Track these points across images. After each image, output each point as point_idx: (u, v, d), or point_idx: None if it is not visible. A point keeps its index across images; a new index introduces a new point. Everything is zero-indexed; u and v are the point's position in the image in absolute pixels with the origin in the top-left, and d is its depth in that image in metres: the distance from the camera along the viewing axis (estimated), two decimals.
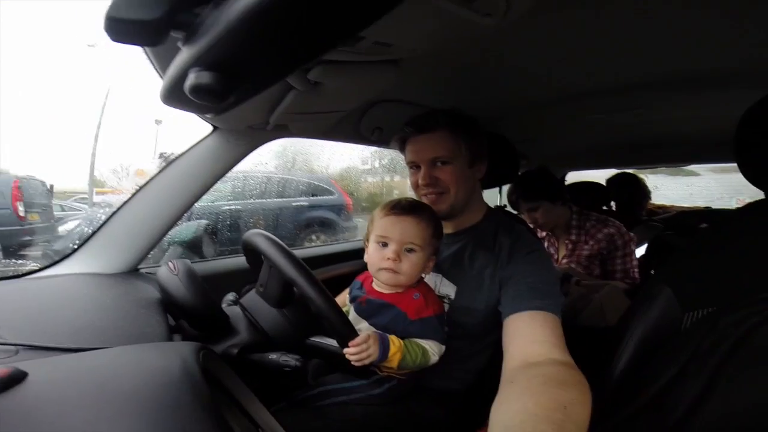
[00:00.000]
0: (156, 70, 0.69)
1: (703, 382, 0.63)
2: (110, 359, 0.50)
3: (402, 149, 1.05)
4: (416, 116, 1.00)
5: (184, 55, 0.29)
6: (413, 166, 1.02)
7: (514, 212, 1.84)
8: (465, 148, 0.97)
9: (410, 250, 0.85)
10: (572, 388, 0.60)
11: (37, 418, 0.37)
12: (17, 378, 0.41)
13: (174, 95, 0.32)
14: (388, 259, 0.84)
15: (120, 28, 0.26)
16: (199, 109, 0.46)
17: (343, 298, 1.12)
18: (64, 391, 0.41)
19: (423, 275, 0.93)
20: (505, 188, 1.94)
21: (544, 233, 1.87)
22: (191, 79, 0.27)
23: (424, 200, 0.99)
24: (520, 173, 1.65)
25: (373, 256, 0.88)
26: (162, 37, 0.28)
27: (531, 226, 1.86)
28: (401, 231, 0.85)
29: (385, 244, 0.86)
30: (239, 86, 0.28)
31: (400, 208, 0.87)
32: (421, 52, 0.68)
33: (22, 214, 3.39)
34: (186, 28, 0.27)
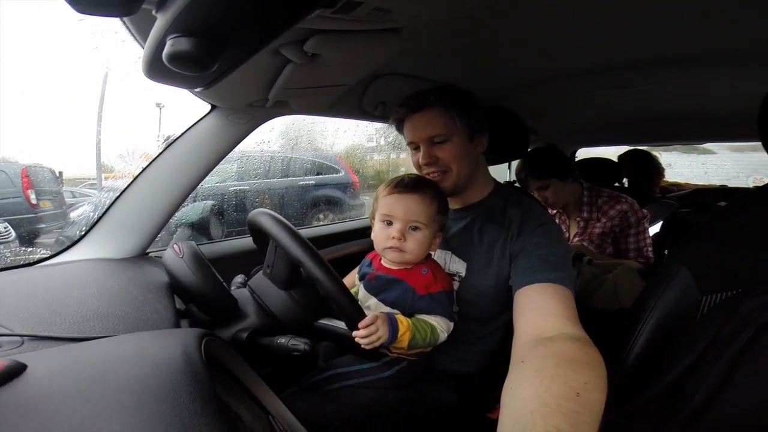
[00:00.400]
0: (138, 43, 0.66)
1: (723, 369, 0.61)
2: (110, 349, 0.50)
3: (400, 130, 1.05)
4: (408, 96, 1.00)
5: (160, 22, 0.26)
6: (413, 146, 1.01)
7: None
8: (462, 123, 0.96)
9: (415, 228, 0.85)
10: (586, 369, 0.58)
11: (36, 411, 0.36)
12: (16, 371, 0.41)
13: (156, 68, 0.30)
14: (393, 237, 0.84)
15: None
16: (186, 82, 0.43)
17: (352, 279, 1.11)
18: (62, 383, 0.41)
19: (431, 252, 0.92)
20: (514, 165, 1.91)
21: (554, 211, 1.83)
22: (169, 47, 0.25)
23: (433, 176, 0.97)
24: (529, 149, 1.61)
25: (378, 234, 0.88)
26: (133, 5, 0.25)
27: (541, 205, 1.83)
28: (405, 209, 0.84)
29: (390, 223, 0.86)
30: (221, 52, 0.26)
31: (404, 185, 0.86)
32: (425, 20, 0.64)
33: (34, 201, 3.43)
34: None
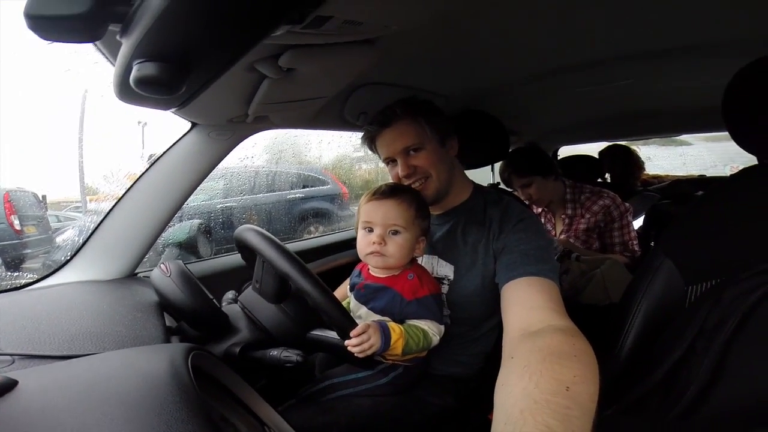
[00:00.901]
0: (111, 64, 0.66)
1: (713, 360, 0.61)
2: (99, 364, 0.50)
3: (373, 149, 1.08)
4: (375, 114, 1.04)
5: (125, 47, 0.27)
6: (389, 161, 1.03)
7: (509, 190, 1.83)
8: (431, 130, 0.99)
9: (395, 233, 0.86)
10: (574, 362, 0.57)
11: (27, 425, 0.37)
12: (7, 387, 0.41)
13: (127, 91, 0.31)
14: (374, 243, 0.85)
15: (47, 26, 0.24)
16: (157, 104, 0.44)
17: (343, 290, 1.11)
18: (53, 397, 0.41)
19: (417, 257, 0.93)
20: (497, 167, 1.93)
21: (540, 209, 1.86)
22: (135, 72, 0.26)
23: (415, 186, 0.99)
24: (510, 150, 1.64)
25: (360, 242, 0.89)
26: (98, 31, 0.26)
27: (526, 203, 1.86)
28: (383, 214, 0.86)
29: (370, 230, 0.87)
30: (187, 74, 0.27)
31: (381, 192, 0.89)
32: (397, 29, 0.65)
33: (18, 227, 3.35)
34: (120, 19, 0.26)
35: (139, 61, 0.25)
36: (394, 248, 0.85)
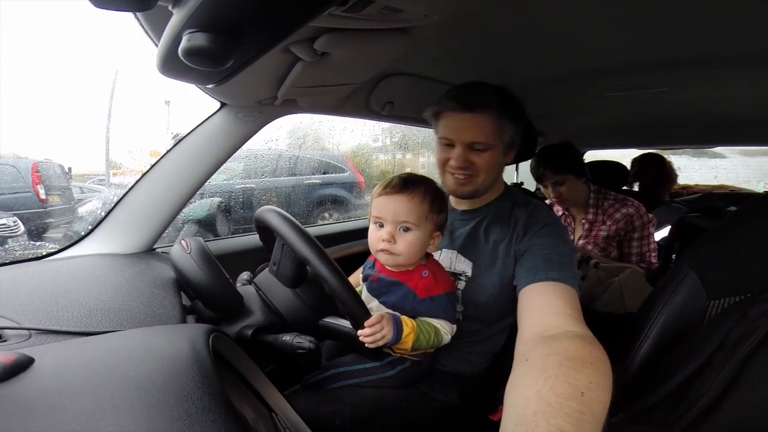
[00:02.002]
0: (152, 40, 0.66)
1: (729, 374, 0.61)
2: (118, 344, 0.50)
3: (434, 119, 0.96)
4: (462, 88, 0.92)
5: (177, 18, 0.26)
6: (447, 143, 0.94)
7: (531, 190, 1.80)
8: (508, 136, 0.92)
9: (406, 229, 0.82)
10: (590, 368, 0.56)
11: (43, 405, 0.36)
12: (23, 365, 0.41)
13: (170, 63, 0.30)
14: (383, 240, 0.82)
15: None
16: (199, 78, 0.43)
17: (356, 278, 1.11)
18: (69, 377, 0.41)
19: (433, 252, 0.91)
20: (522, 165, 1.90)
21: (560, 212, 1.82)
22: (185, 42, 0.25)
23: (450, 179, 0.95)
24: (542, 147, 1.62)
25: (371, 237, 0.86)
26: (151, 1, 0.25)
27: (551, 201, 1.83)
28: (394, 210, 0.82)
29: (381, 225, 0.84)
30: (236, 48, 0.26)
31: (392, 186, 0.83)
32: (435, 19, 0.64)
33: (43, 196, 3.47)
34: None
35: (190, 31, 0.24)
36: (404, 246, 0.82)
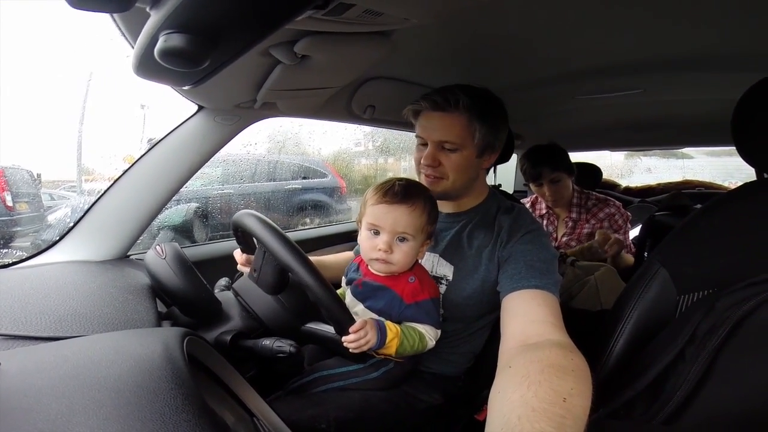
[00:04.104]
0: (128, 42, 0.65)
1: (702, 366, 0.62)
2: (88, 347, 0.48)
3: (414, 119, 0.99)
4: (435, 90, 0.94)
5: (154, 18, 0.26)
6: (420, 140, 0.96)
7: (510, 192, 1.84)
8: (479, 137, 0.92)
9: (403, 240, 0.82)
10: (571, 376, 0.59)
11: (8, 407, 0.35)
12: None
13: (145, 64, 0.30)
14: (380, 249, 0.81)
15: None
16: (175, 80, 0.43)
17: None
18: (36, 380, 0.39)
19: (419, 259, 0.91)
20: (501, 167, 1.94)
21: (544, 210, 1.88)
22: (161, 43, 0.25)
23: (422, 179, 0.96)
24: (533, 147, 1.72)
25: (364, 243, 0.86)
26: (129, 2, 0.25)
27: (531, 200, 1.91)
28: (393, 220, 0.81)
29: (377, 233, 0.83)
30: (213, 49, 0.26)
31: (393, 194, 0.82)
32: (415, 23, 0.65)
33: (10, 204, 3.31)
34: None
35: (167, 32, 0.24)
36: (400, 256, 0.82)
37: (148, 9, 0.26)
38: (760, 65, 0.83)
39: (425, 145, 0.95)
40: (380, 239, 0.82)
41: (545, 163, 1.72)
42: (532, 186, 1.82)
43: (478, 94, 0.92)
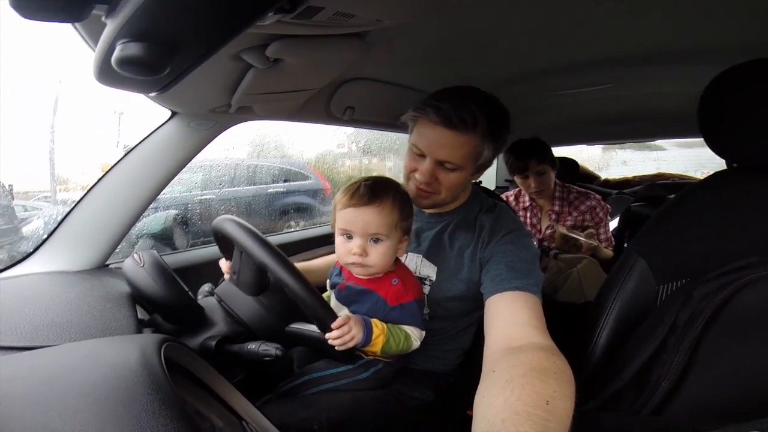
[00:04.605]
0: (92, 49, 0.63)
1: (684, 356, 0.64)
2: (63, 355, 0.48)
3: (412, 122, 0.92)
4: (450, 100, 0.84)
5: (109, 28, 0.26)
6: (418, 152, 0.90)
7: (491, 189, 1.87)
8: (484, 158, 0.90)
9: (377, 240, 0.81)
10: (554, 378, 0.59)
11: None
12: None
13: (107, 73, 0.30)
14: (354, 253, 0.80)
15: (31, 4, 0.23)
16: (138, 87, 0.43)
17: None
18: (10, 389, 0.39)
19: (400, 257, 0.91)
20: None
21: (527, 203, 1.91)
22: (118, 52, 0.25)
23: (412, 188, 0.93)
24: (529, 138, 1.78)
25: (339, 248, 0.84)
26: (83, 11, 0.25)
27: (514, 192, 1.96)
28: (364, 223, 0.79)
29: (350, 237, 0.82)
30: (171, 57, 0.26)
31: (359, 196, 0.80)
32: (388, 24, 0.65)
33: None
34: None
35: (123, 41, 0.24)
36: (377, 257, 0.81)
37: (103, 18, 0.26)
38: (720, 59, 0.86)
39: (421, 156, 0.89)
40: (354, 243, 0.81)
41: (532, 155, 1.76)
42: (517, 178, 1.86)
43: (495, 115, 0.87)
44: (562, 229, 1.68)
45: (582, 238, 1.64)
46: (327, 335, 0.74)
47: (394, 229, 0.82)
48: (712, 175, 0.85)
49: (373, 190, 0.81)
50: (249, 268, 0.81)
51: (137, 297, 0.81)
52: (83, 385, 0.40)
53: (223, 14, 0.25)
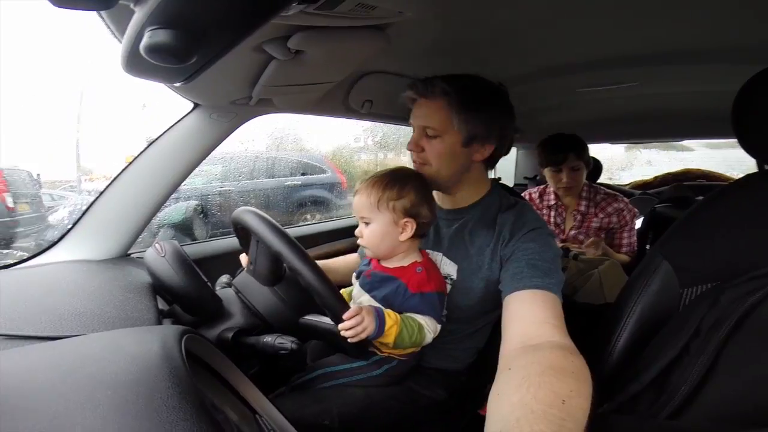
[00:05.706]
0: (118, 39, 0.63)
1: (707, 360, 0.62)
2: (84, 345, 0.48)
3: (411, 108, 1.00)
4: (418, 79, 0.95)
5: (138, 15, 0.26)
6: (412, 129, 0.98)
7: (510, 186, 1.83)
8: (459, 124, 0.90)
9: (367, 224, 0.88)
10: (571, 378, 0.58)
11: (5, 407, 0.35)
12: None
13: (134, 62, 0.30)
14: (357, 235, 0.89)
15: None
16: (164, 76, 0.43)
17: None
18: (33, 380, 0.39)
19: (403, 239, 0.88)
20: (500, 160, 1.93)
21: (552, 202, 1.86)
22: (147, 39, 0.25)
23: (414, 164, 0.98)
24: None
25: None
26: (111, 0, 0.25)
27: (539, 190, 1.92)
28: (356, 207, 0.89)
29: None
30: (199, 44, 0.26)
31: (359, 186, 0.90)
32: (409, 16, 0.64)
33: (11, 205, 3.32)
34: None
35: (152, 28, 0.24)
36: (368, 238, 0.87)
37: (132, 6, 0.26)
38: (757, 57, 0.82)
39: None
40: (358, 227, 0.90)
41: (571, 149, 1.72)
42: (547, 172, 1.80)
43: (461, 83, 0.91)
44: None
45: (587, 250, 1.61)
46: (339, 326, 0.74)
47: (375, 210, 0.86)
48: (744, 177, 0.83)
49: (370, 179, 0.89)
50: (265, 257, 0.82)
51: (158, 287, 0.82)
52: (104, 376, 0.40)
53: (249, 3, 0.24)
